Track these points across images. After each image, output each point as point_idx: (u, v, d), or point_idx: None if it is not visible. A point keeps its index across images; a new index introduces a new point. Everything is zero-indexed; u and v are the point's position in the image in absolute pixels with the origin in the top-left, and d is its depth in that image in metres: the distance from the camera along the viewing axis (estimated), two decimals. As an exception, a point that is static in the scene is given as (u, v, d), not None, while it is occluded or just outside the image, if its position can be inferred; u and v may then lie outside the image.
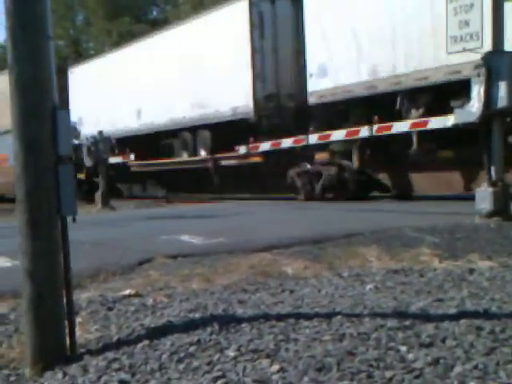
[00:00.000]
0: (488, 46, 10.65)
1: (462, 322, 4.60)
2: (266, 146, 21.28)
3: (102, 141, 23.64)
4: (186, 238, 10.51)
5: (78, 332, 4.76)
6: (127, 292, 6.43)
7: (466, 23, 10.82)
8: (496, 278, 6.22)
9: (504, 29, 10.56)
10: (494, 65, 10.27)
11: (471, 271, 6.60)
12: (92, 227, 12.91)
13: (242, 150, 22.23)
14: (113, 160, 26.64)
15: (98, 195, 23.52)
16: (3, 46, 65.14)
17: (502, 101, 10.16)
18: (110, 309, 5.82)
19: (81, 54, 58.01)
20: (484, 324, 4.51)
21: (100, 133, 23.83)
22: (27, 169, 4.30)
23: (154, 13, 71.23)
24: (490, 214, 10.23)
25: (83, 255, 8.69)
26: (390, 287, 6.03)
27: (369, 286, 6.09)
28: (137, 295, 6.32)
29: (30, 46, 4.31)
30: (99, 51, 42.57)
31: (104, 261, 8.39)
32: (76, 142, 23.44)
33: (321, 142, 19.15)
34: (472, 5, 10.72)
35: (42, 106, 4.34)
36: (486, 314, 4.80)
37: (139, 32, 45.56)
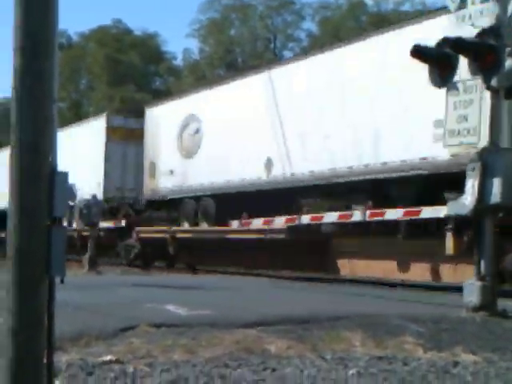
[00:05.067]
0: (484, 141, 10.78)
1: (444, 414, 4.56)
2: (258, 222, 21.34)
3: (95, 204, 23.66)
4: (171, 307, 10.44)
5: (55, 395, 4.70)
6: (108, 358, 6.37)
7: (465, 118, 10.97)
8: (479, 374, 6.19)
9: (501, 126, 10.71)
10: (490, 161, 10.37)
11: (455, 364, 6.57)
12: (77, 290, 12.81)
13: (235, 224, 22.34)
14: (104, 224, 26.73)
15: (86, 258, 23.43)
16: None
17: (494, 197, 10.22)
18: (89, 374, 5.77)
19: (81, 118, 58.41)
20: (465, 418, 4.48)
21: (93, 196, 23.88)
22: (20, 227, 4.30)
23: (157, 83, 72.15)
24: (477, 308, 10.19)
25: (66, 318, 8.58)
26: (372, 374, 5.99)
27: (352, 371, 6.05)
28: (118, 362, 6.26)
29: (35, 107, 4.35)
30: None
31: (87, 325, 8.32)
32: (71, 203, 23.54)
33: (313, 222, 19.21)
34: (471, 101, 10.89)
35: (40, 168, 4.36)
36: (468, 409, 4.77)
37: (141, 100, 46.06)
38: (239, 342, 7.35)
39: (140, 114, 30.56)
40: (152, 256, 27.54)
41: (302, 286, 17.55)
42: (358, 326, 8.65)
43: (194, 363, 6.25)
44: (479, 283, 10.28)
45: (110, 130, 30.05)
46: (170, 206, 26.83)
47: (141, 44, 70.59)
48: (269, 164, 21.07)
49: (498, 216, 11.01)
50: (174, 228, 25.54)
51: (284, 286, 17.46)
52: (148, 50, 70.74)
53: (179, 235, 25.36)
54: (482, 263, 10.42)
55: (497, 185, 10.21)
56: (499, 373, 6.27)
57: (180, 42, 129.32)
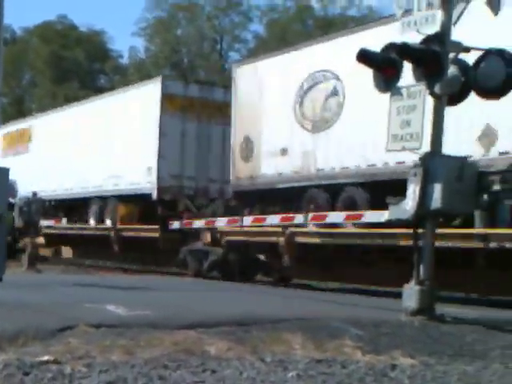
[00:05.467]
0: (427, 147, 10.90)
1: (381, 417, 4.60)
2: (200, 223, 21.25)
3: (35, 202, 23.37)
4: (111, 307, 10.35)
5: (-9, 395, 4.63)
6: (46, 358, 6.30)
7: (408, 123, 11.08)
8: (417, 377, 6.26)
9: (443, 132, 10.84)
10: (431, 166, 10.50)
11: (393, 367, 6.63)
12: (16, 289, 12.64)
13: (176, 225, 22.18)
14: (45, 223, 26.43)
15: (25, 256, 23.11)
16: None
17: (435, 202, 10.34)
18: (26, 374, 5.69)
19: (24, 114, 57.75)
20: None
21: (34, 194, 23.57)
22: (-41, 223, 4.23)
23: (102, 81, 71.58)
24: (416, 312, 10.29)
25: (4, 317, 8.50)
26: (311, 376, 6.02)
27: (291, 374, 6.07)
28: (55, 362, 6.19)
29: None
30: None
31: (25, 324, 8.19)
32: (12, 200, 22.99)
33: (255, 224, 19.16)
34: (415, 106, 10.99)
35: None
36: (405, 412, 4.81)
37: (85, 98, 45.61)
38: (179, 343, 7.32)
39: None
40: (240, 265, 20.35)
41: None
42: (299, 329, 8.67)
43: (132, 364, 6.21)
44: (418, 288, 10.39)
45: (167, 99, 23.50)
46: (275, 200, 19.71)
47: (86, 41, 69.89)
48: (488, 135, 14.13)
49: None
50: (293, 229, 18.17)
51: (239, 288, 17.41)
52: (93, 47, 70.08)
53: (301, 239, 18.30)
54: (421, 268, 10.53)
55: (438, 190, 10.33)
56: (436, 376, 6.35)
57: (126, 40, 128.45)
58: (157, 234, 22.79)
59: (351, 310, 11.95)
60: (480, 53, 11.04)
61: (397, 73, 11.16)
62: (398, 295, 10.88)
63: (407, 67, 11.13)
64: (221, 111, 23.45)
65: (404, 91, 11.16)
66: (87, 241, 27.14)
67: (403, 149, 11.39)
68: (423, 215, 10.61)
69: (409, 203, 10.60)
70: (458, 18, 11.01)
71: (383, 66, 11.27)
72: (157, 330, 8.14)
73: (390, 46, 11.18)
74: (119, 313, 9.87)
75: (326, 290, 17.97)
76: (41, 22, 70.21)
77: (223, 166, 22.74)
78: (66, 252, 30.40)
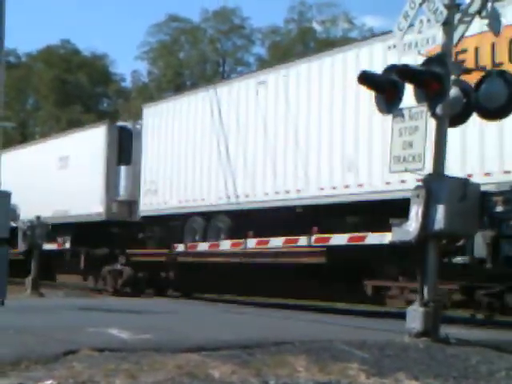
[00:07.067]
0: (429, 168, 10.88)
1: None
2: (204, 246, 21.22)
3: (39, 226, 23.34)
4: (114, 331, 10.33)
5: (-7, 420, 4.61)
6: (49, 382, 6.28)
7: (410, 144, 11.06)
8: (421, 399, 6.22)
9: (445, 153, 10.84)
10: (434, 188, 10.48)
11: (397, 390, 6.59)
12: (19, 313, 12.61)
13: (181, 248, 22.16)
14: (48, 246, 26.30)
15: (29, 280, 23.09)
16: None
17: (438, 223, 10.32)
18: (29, 398, 5.67)
19: (26, 138, 57.88)
20: None
21: (37, 218, 23.55)
22: (-39, 248, 4.23)
23: (105, 104, 71.80)
24: (420, 334, 10.24)
25: (7, 341, 8.47)
26: (315, 399, 5.99)
27: (295, 397, 6.04)
28: (59, 387, 6.17)
29: (-20, 125, 4.29)
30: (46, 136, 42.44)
31: (28, 348, 8.19)
32: (14, 224, 22.96)
33: (259, 247, 19.16)
34: (417, 127, 10.98)
35: (-16, 187, 4.31)
36: None
37: (88, 121, 45.76)
38: (182, 367, 7.29)
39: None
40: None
41: (252, 310, 17.53)
42: (303, 351, 8.64)
43: (136, 388, 6.19)
44: (422, 309, 10.35)
45: None
46: None
47: (89, 65, 70.20)
48: None
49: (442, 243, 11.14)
50: None
51: (234, 311, 17.39)
52: (96, 70, 70.37)
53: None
54: (425, 289, 10.50)
55: (441, 212, 10.30)
56: (441, 399, 6.32)
57: (129, 64, 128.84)
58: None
59: (353, 331, 11.90)
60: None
61: (398, 94, 11.17)
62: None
63: (408, 88, 11.16)
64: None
65: (406, 112, 11.14)
66: None
67: (406, 170, 11.37)
68: (426, 237, 10.58)
69: (412, 225, 10.57)
70: (459, 39, 11.06)
71: (384, 88, 11.28)
72: (160, 354, 8.11)
73: (391, 68, 11.20)
74: (123, 337, 9.84)
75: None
76: (44, 47, 70.58)
77: None
78: None
